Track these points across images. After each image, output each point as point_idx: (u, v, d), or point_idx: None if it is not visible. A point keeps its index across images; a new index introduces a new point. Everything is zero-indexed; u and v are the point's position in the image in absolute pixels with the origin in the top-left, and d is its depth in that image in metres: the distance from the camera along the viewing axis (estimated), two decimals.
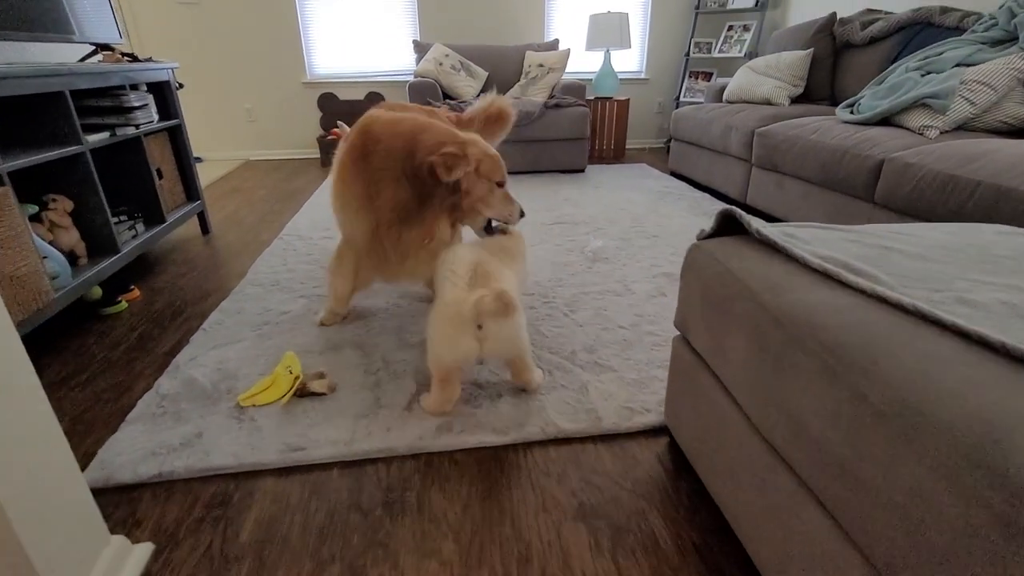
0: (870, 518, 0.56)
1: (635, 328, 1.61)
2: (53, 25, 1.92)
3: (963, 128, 2.06)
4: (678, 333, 1.07)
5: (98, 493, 1.03)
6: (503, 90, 3.99)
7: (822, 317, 0.67)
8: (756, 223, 0.91)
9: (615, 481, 1.07)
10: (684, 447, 1.05)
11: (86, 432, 1.22)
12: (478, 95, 3.86)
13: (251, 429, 1.19)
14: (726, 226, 0.98)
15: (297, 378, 1.32)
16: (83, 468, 1.09)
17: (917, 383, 0.54)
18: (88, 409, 1.30)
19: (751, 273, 0.82)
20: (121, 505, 1.01)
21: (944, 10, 2.50)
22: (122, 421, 1.23)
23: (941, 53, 2.22)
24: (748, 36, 4.11)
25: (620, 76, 4.51)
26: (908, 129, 2.12)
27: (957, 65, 2.10)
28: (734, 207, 0.94)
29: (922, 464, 0.50)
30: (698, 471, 0.99)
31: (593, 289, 1.88)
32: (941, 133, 2.03)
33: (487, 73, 4.00)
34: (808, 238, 0.88)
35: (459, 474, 1.08)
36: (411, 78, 3.81)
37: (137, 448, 1.13)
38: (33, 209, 1.58)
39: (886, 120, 2.23)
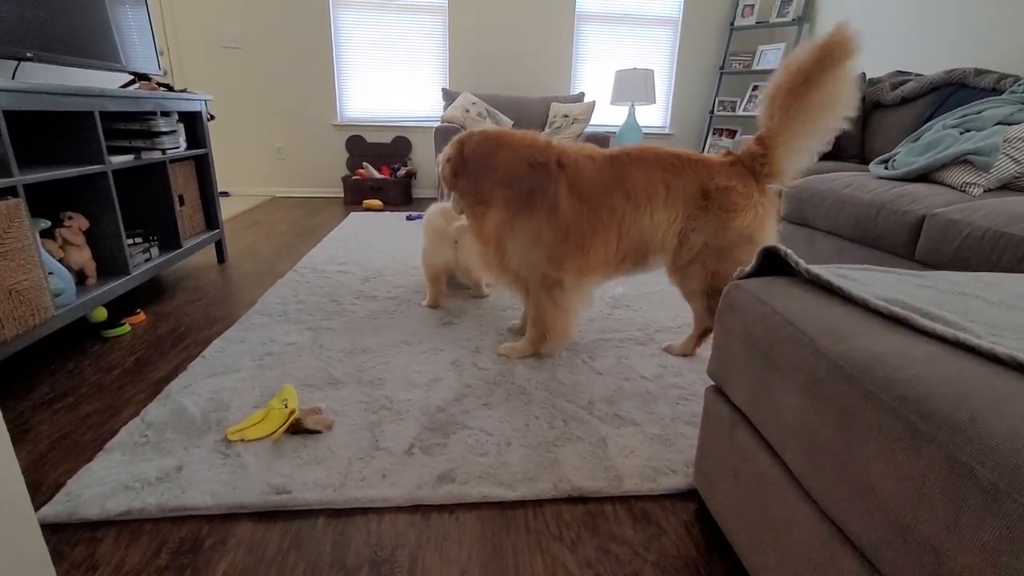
0: None
1: (658, 380, 1.49)
2: (100, 53, 1.97)
3: (1008, 187, 1.97)
4: (712, 383, 0.96)
5: (59, 529, 0.93)
6: None
7: (897, 367, 0.57)
8: (804, 263, 0.81)
9: (636, 552, 0.93)
10: (718, 517, 0.92)
11: (61, 459, 1.13)
12: None
13: (235, 466, 1.08)
14: (768, 266, 0.89)
15: (292, 412, 1.22)
16: (48, 499, 0.99)
17: None
18: (69, 433, 1.22)
19: (804, 316, 0.72)
20: (80, 544, 0.90)
21: (979, 72, 2.46)
22: (99, 449, 1.14)
23: (981, 111, 2.15)
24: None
25: (644, 130, 4.55)
26: (949, 186, 2.03)
27: (998, 124, 2.03)
28: (777, 245, 0.85)
29: None
30: (735, 547, 0.85)
31: (614, 336, 1.78)
32: (985, 191, 1.93)
33: (512, 122, 4.06)
34: (867, 280, 0.78)
35: (459, 532, 0.96)
36: (438, 123, 3.88)
37: (110, 480, 1.03)
38: (45, 224, 1.56)
39: (924, 177, 2.14)
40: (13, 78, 1.70)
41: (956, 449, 0.47)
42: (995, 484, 0.43)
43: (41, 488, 1.03)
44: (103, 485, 1.02)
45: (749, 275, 0.90)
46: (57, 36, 1.78)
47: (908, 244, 1.91)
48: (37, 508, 0.96)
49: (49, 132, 1.67)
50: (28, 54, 1.62)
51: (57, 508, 0.96)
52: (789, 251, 0.83)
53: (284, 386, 1.35)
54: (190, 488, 1.01)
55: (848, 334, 0.65)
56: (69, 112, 1.62)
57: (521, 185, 1.42)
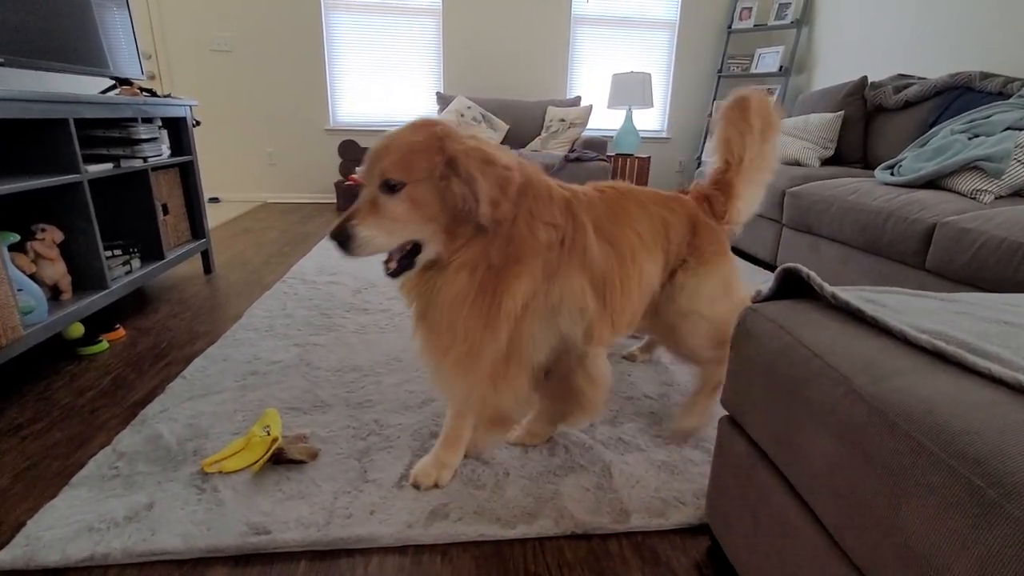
0: None
1: (663, 399, 1.42)
2: (78, 57, 1.89)
3: (1019, 194, 1.91)
4: (726, 413, 0.89)
5: None
6: (523, 143, 3.97)
7: (951, 415, 0.50)
8: (831, 287, 0.74)
9: None
10: (733, 559, 0.84)
11: (24, 494, 1.04)
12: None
13: (211, 502, 1.00)
14: (786, 287, 0.82)
15: (275, 440, 1.14)
16: (7, 541, 0.91)
17: None
18: (34, 465, 1.13)
19: (834, 350, 0.65)
20: None
21: (985, 75, 2.41)
22: (65, 484, 1.06)
23: (989, 116, 2.10)
24: (772, 100, 4.08)
25: (642, 134, 4.48)
26: (959, 193, 1.97)
27: (1008, 129, 1.98)
28: (799, 265, 0.78)
29: None
30: None
31: (615, 352, 1.71)
32: (996, 198, 1.87)
33: (508, 126, 3.99)
34: (898, 306, 0.71)
35: (453, 575, 0.88)
36: None
37: (73, 520, 0.95)
38: (14, 238, 1.47)
39: (932, 183, 2.09)
40: None
41: None
42: None
43: (0, 528, 0.95)
44: (66, 526, 0.94)
45: (767, 298, 0.83)
46: (31, 40, 1.69)
47: (918, 253, 1.85)
48: None
49: (20, 140, 1.58)
50: (0, 59, 1.54)
51: (15, 552, 0.88)
52: (812, 273, 0.76)
53: (266, 410, 1.27)
54: (160, 529, 0.93)
55: (888, 372, 0.58)
56: (41, 120, 1.54)
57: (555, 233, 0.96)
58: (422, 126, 0.91)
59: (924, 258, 1.83)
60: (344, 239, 0.84)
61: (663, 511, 1.01)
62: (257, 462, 1.10)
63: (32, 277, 1.51)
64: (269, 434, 1.17)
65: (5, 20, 1.60)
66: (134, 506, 0.99)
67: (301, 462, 1.12)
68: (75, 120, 1.62)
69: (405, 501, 1.02)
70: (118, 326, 1.80)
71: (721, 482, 0.89)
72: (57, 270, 1.63)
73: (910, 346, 0.61)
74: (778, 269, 0.81)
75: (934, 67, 2.88)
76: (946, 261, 1.73)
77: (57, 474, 1.10)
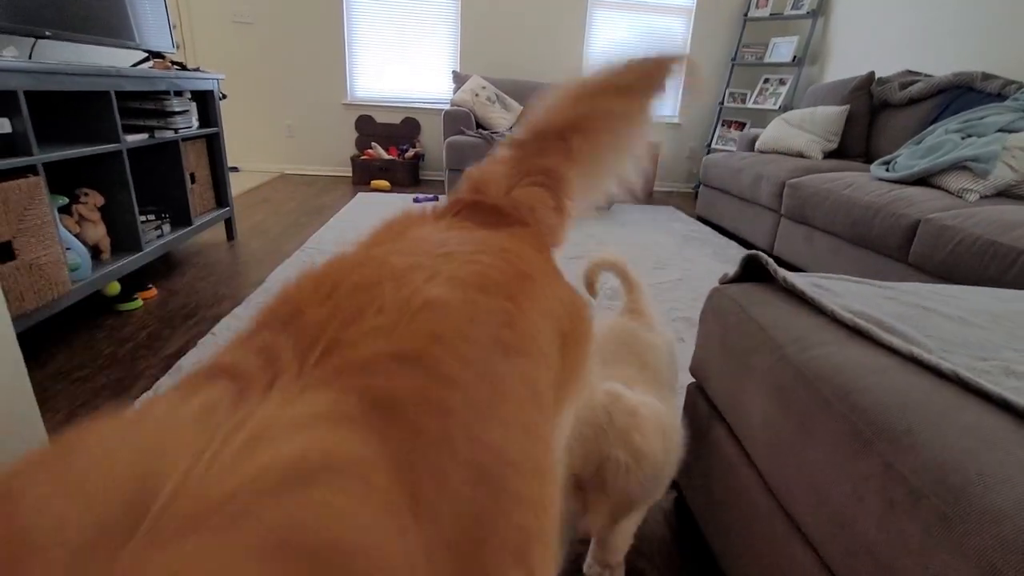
0: None
1: None
2: (115, 31, 2.00)
3: (1004, 194, 1.99)
4: (693, 380, 1.02)
5: None
6: None
7: (852, 377, 0.62)
8: (783, 271, 0.86)
9: None
10: (693, 506, 0.98)
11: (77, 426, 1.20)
12: (511, 128, 3.91)
13: None
14: (751, 271, 0.93)
15: None
16: None
17: (959, 461, 0.48)
18: (84, 404, 1.29)
19: (775, 324, 0.77)
20: None
21: (986, 76, 2.46)
22: None
23: (983, 117, 2.16)
24: (784, 90, 4.11)
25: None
26: (946, 191, 2.05)
27: (999, 131, 2.05)
28: (760, 252, 0.90)
29: (963, 557, 0.44)
30: (707, 535, 0.92)
31: None
32: (981, 197, 1.96)
33: (521, 107, 4.06)
34: (840, 291, 0.82)
35: None
36: (447, 106, 3.89)
37: None
38: (63, 201, 1.61)
39: (923, 180, 2.17)
40: (30, 57, 1.73)
41: (891, 456, 0.53)
42: (920, 489, 0.49)
43: None
44: None
45: (732, 280, 0.94)
46: (74, 14, 1.81)
47: (902, 248, 1.94)
48: None
49: (66, 110, 1.71)
50: (46, 32, 1.66)
51: None
52: (769, 259, 0.88)
53: None
54: None
55: (814, 343, 0.70)
56: (85, 92, 1.67)
57: None
58: None
59: (907, 252, 1.92)
60: None
61: None
62: None
63: (76, 237, 1.66)
64: None
65: None
66: None
67: None
68: (115, 93, 1.74)
69: None
70: (150, 286, 1.95)
71: (687, 441, 1.02)
72: (98, 232, 1.78)
73: (837, 323, 0.73)
74: (743, 255, 0.93)
75: (943, 64, 2.92)
76: (927, 256, 1.82)
77: (106, 411, 1.26)
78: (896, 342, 0.65)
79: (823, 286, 0.84)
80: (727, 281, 0.94)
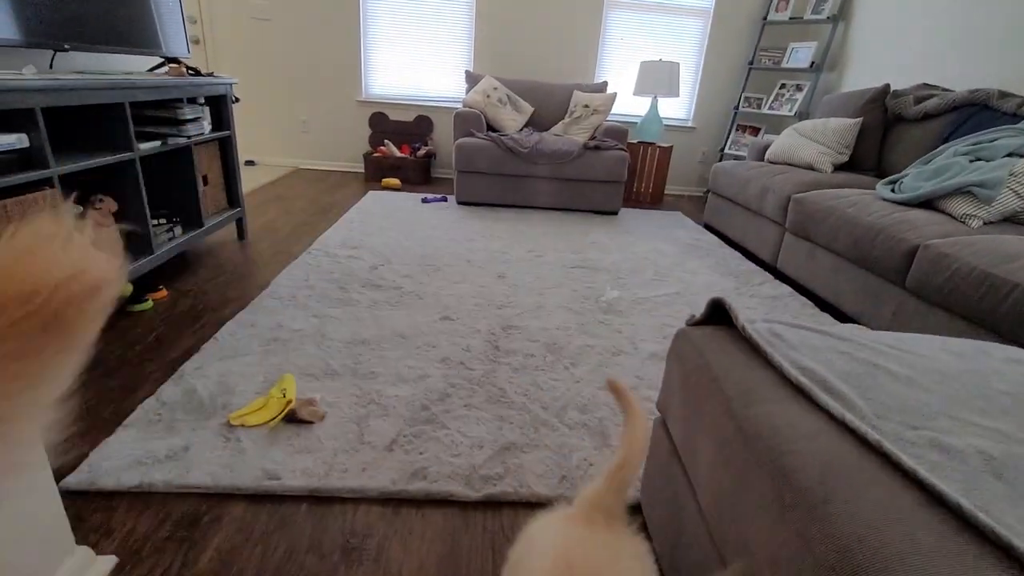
0: None
1: (633, 392, 1.58)
2: (134, 39, 2.08)
3: (1010, 220, 1.96)
4: (658, 415, 1.05)
5: (80, 496, 1.08)
6: (547, 127, 4.05)
7: (785, 439, 0.65)
8: (744, 318, 0.89)
9: None
10: (652, 535, 1.02)
11: (86, 431, 1.28)
12: (521, 129, 3.93)
13: (235, 449, 1.22)
14: (719, 314, 0.96)
15: (289, 403, 1.35)
16: (73, 468, 1.14)
17: (864, 537, 0.51)
18: (93, 407, 1.37)
19: (727, 375, 0.80)
20: (98, 512, 1.05)
21: (1003, 94, 2.41)
22: (119, 424, 1.29)
23: (994, 140, 2.13)
24: (800, 96, 4.05)
25: (666, 123, 4.51)
26: (950, 215, 2.03)
27: (1009, 155, 2.01)
28: (723, 298, 0.92)
29: None
30: (661, 564, 0.95)
31: (599, 344, 1.87)
32: (984, 223, 1.93)
33: (532, 109, 4.07)
34: (796, 342, 0.85)
35: (423, 527, 1.08)
36: (460, 106, 3.91)
37: (126, 454, 1.18)
38: (77, 209, 1.69)
39: (928, 203, 2.14)
40: (51, 67, 1.81)
41: (805, 527, 0.56)
42: (827, 560, 0.52)
43: (69, 455, 1.19)
44: (120, 459, 1.17)
45: (698, 323, 0.97)
46: (93, 24, 1.88)
47: (900, 272, 1.94)
48: (64, 475, 1.11)
49: (81, 121, 1.79)
50: (65, 46, 1.73)
51: (80, 477, 1.11)
52: (731, 305, 0.91)
53: (284, 375, 1.48)
54: (194, 468, 1.15)
55: (757, 399, 0.73)
56: (101, 104, 1.74)
57: None
58: None
59: (905, 277, 1.92)
60: None
61: None
62: (274, 419, 1.31)
63: None
64: (285, 396, 1.38)
65: (69, 10, 1.78)
66: (173, 447, 1.21)
67: (310, 423, 1.33)
68: (129, 103, 1.81)
69: (392, 462, 1.22)
70: (161, 287, 2.03)
71: (651, 471, 1.06)
72: None
73: (784, 379, 0.76)
74: (709, 300, 0.95)
75: (962, 78, 2.86)
76: (923, 283, 1.82)
77: (112, 415, 1.33)
78: (832, 405, 0.68)
79: (781, 335, 0.87)
80: (694, 323, 0.97)
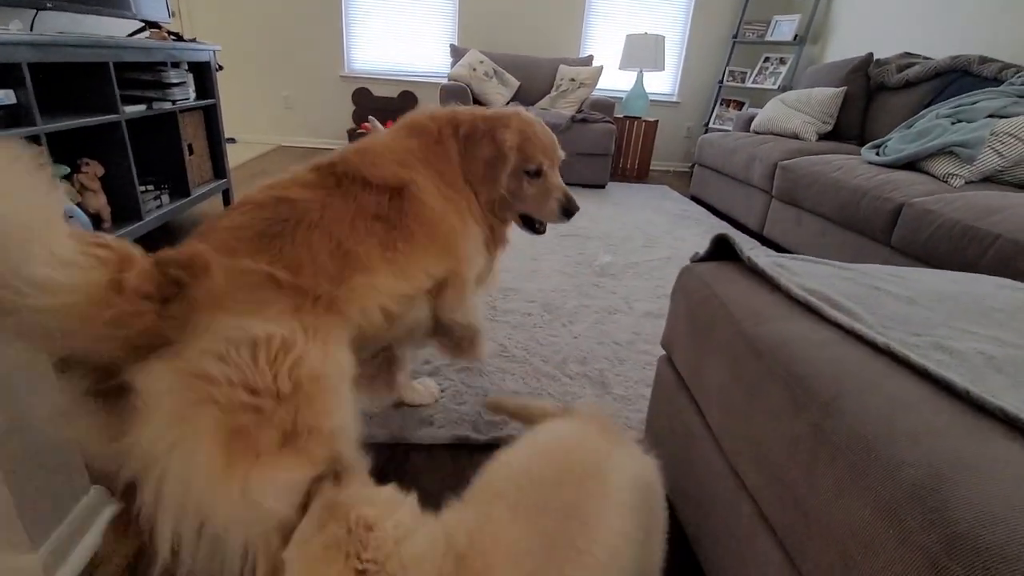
0: (816, 555, 0.56)
1: (630, 346, 1.61)
2: (120, 2, 2.01)
3: (989, 180, 2.02)
4: (664, 353, 1.08)
5: None
6: (533, 101, 4.04)
7: (797, 349, 0.68)
8: (749, 250, 0.91)
9: None
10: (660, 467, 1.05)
11: None
12: (508, 103, 3.90)
13: None
14: (721, 251, 0.98)
15: None
16: None
17: (875, 422, 0.54)
18: None
19: (735, 300, 0.82)
20: None
21: (983, 60, 2.47)
22: None
23: (975, 102, 2.18)
24: (784, 69, 4.09)
25: (651, 98, 4.51)
26: (933, 176, 2.09)
27: (990, 116, 2.07)
28: (727, 233, 0.95)
29: (865, 501, 0.50)
30: (669, 493, 0.98)
31: (595, 303, 1.89)
32: (966, 183, 1.99)
33: (519, 83, 4.04)
34: (799, 270, 0.88)
35: (434, 468, 1.10)
36: (445, 80, 3.87)
37: None
38: (65, 170, 1.65)
39: (911, 165, 2.20)
40: (32, 28, 1.75)
41: (819, 418, 0.58)
42: (838, 445, 0.55)
43: None
44: None
45: (702, 259, 0.99)
46: None
47: (886, 231, 1.99)
48: None
49: (66, 82, 1.73)
50: (48, 3, 1.67)
51: None
52: (736, 239, 0.93)
53: None
54: None
55: (767, 318, 0.76)
56: (85, 63, 1.69)
57: None
58: None
59: (890, 235, 1.97)
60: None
61: None
62: None
63: (78, 206, 1.70)
64: None
65: None
66: None
67: None
68: (114, 64, 1.76)
69: (399, 412, 1.23)
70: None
71: (655, 406, 1.09)
72: (99, 201, 1.82)
73: (791, 300, 0.79)
74: (713, 236, 0.97)
75: (943, 46, 2.91)
76: (908, 240, 1.87)
77: None
78: (840, 317, 0.71)
79: (785, 266, 0.89)
80: (698, 260, 0.99)
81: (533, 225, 1.23)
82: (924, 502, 0.46)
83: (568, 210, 1.17)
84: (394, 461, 1.10)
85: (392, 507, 0.59)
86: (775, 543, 0.65)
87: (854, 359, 0.64)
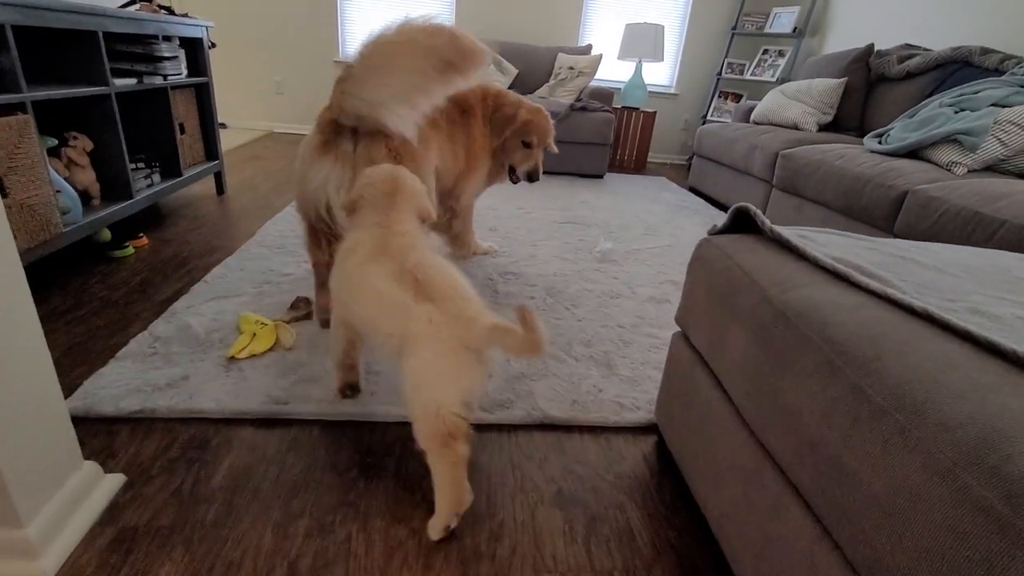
0: (856, 517, 0.53)
1: (635, 329, 1.59)
2: None
3: (992, 168, 2.02)
4: (678, 330, 1.05)
5: (77, 422, 1.02)
6: (531, 89, 3.99)
7: (828, 313, 0.65)
8: (768, 222, 0.89)
9: (597, 472, 1.04)
10: (671, 446, 1.03)
11: (75, 364, 1.21)
12: None
13: (238, 378, 1.18)
14: (739, 224, 0.96)
15: (276, 324, 1.35)
16: (66, 396, 1.08)
17: (920, 382, 0.52)
18: (81, 343, 1.30)
19: (759, 269, 0.80)
20: (99, 436, 1.00)
21: (984, 51, 2.47)
22: (112, 357, 1.23)
23: (978, 92, 2.18)
24: (782, 62, 4.08)
25: (650, 89, 4.49)
26: (936, 164, 2.08)
27: (993, 105, 2.07)
28: (748, 205, 0.92)
29: (916, 461, 0.47)
30: (682, 470, 0.96)
31: (597, 288, 1.86)
32: (969, 171, 1.99)
33: (517, 70, 4.00)
34: (823, 241, 0.85)
35: None
36: None
37: (123, 383, 1.13)
38: (52, 142, 1.59)
39: (914, 153, 2.19)
40: None
41: (859, 379, 0.56)
42: (883, 406, 0.52)
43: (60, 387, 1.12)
44: (117, 387, 1.11)
45: (720, 231, 0.97)
46: None
47: (889, 218, 1.98)
48: None
49: (53, 51, 1.67)
50: None
51: (75, 403, 1.06)
52: (757, 211, 0.91)
53: (240, 316, 1.39)
54: (196, 395, 1.11)
55: (795, 285, 0.73)
56: (73, 31, 1.62)
57: None
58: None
59: (894, 223, 1.96)
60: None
61: (620, 412, 1.19)
62: (275, 343, 1.29)
63: (66, 181, 1.63)
64: (266, 324, 1.34)
65: None
66: (173, 376, 1.16)
67: (307, 315, 1.45)
68: (103, 34, 1.70)
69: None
70: (141, 235, 1.94)
71: (669, 386, 1.06)
72: (87, 176, 1.75)
73: (818, 268, 0.77)
74: (731, 208, 0.95)
75: (943, 38, 2.91)
76: (912, 226, 1.86)
77: (102, 350, 1.27)
78: (872, 284, 0.69)
79: (808, 236, 0.87)
80: (716, 232, 0.97)
81: (513, 173, 1.87)
82: (983, 459, 0.43)
83: (532, 176, 1.86)
84: (400, 439, 1.07)
85: None
86: (806, 514, 0.63)
87: (890, 322, 0.62)
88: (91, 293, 1.54)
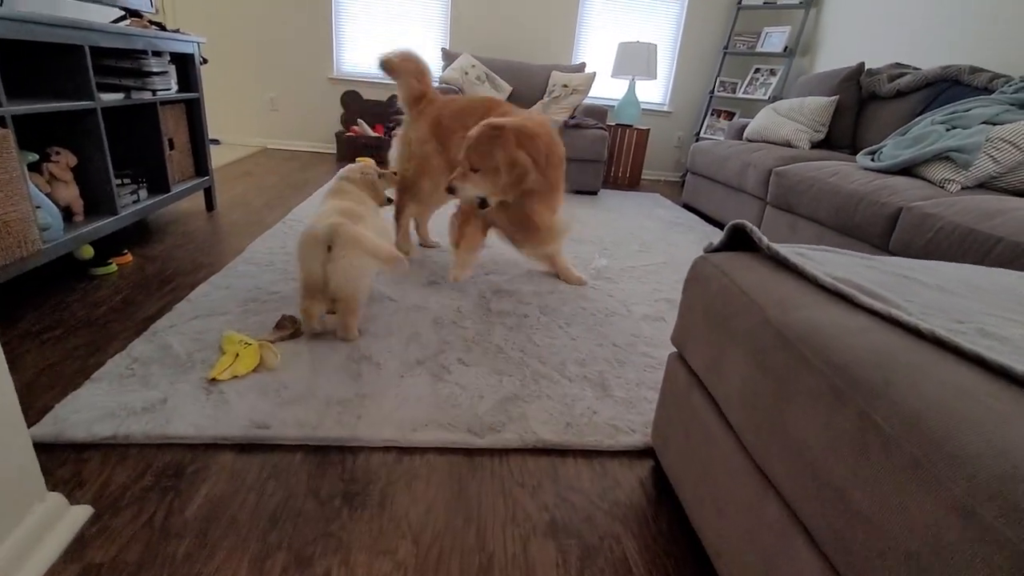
0: (866, 555, 0.50)
1: (630, 348, 1.55)
2: None
3: (984, 185, 2.02)
4: (674, 350, 1.02)
5: (45, 448, 0.98)
6: (526, 106, 4.01)
7: (831, 336, 0.62)
8: (766, 239, 0.86)
9: (591, 500, 1.00)
10: (668, 471, 0.99)
11: (48, 386, 1.17)
12: None
13: (218, 401, 1.13)
14: (736, 241, 0.93)
15: (261, 345, 1.30)
16: (36, 421, 1.04)
17: (933, 410, 0.49)
18: (55, 364, 1.25)
19: (757, 288, 0.77)
20: (67, 463, 0.95)
21: (974, 70, 2.49)
22: (87, 379, 1.18)
23: (969, 110, 2.19)
24: (774, 80, 4.12)
25: (643, 106, 4.52)
26: (929, 181, 2.08)
27: (984, 123, 2.07)
28: (744, 222, 0.90)
29: (932, 497, 0.44)
30: (681, 497, 0.92)
31: (592, 306, 1.83)
32: (962, 188, 1.99)
33: (511, 88, 4.02)
34: (821, 259, 0.83)
35: (428, 473, 1.02)
36: (435, 84, 3.82)
37: (96, 407, 1.08)
38: (33, 157, 1.55)
39: (907, 170, 2.19)
40: (1, 5, 1.65)
41: (867, 406, 0.53)
42: (893, 436, 0.49)
43: (29, 412, 1.07)
44: (90, 411, 1.06)
45: (717, 249, 0.94)
46: None
47: (883, 235, 1.97)
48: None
49: (38, 65, 1.65)
50: None
51: (44, 429, 1.01)
52: (754, 228, 0.88)
53: (224, 335, 1.36)
54: (174, 419, 1.06)
55: (795, 306, 0.70)
56: (59, 45, 1.60)
57: None
58: (495, 128, 1.68)
59: (888, 240, 1.95)
60: (452, 190, 1.72)
61: (614, 435, 1.15)
62: (259, 362, 1.24)
63: (47, 197, 1.60)
64: (249, 344, 1.29)
65: None
66: (150, 400, 1.11)
67: (295, 333, 1.43)
68: (90, 49, 1.68)
69: (390, 414, 1.16)
70: (126, 252, 1.90)
71: (665, 408, 1.03)
72: (70, 192, 1.72)
73: (818, 287, 0.74)
74: (728, 225, 0.92)
75: (933, 57, 2.95)
76: (907, 243, 1.85)
77: (77, 372, 1.22)
78: (876, 305, 0.66)
79: (806, 255, 0.84)
80: (712, 250, 0.94)
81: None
82: (1006, 495, 0.40)
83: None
84: (386, 466, 1.03)
85: None
86: (811, 550, 0.59)
87: (897, 345, 0.59)
88: (69, 312, 1.49)
